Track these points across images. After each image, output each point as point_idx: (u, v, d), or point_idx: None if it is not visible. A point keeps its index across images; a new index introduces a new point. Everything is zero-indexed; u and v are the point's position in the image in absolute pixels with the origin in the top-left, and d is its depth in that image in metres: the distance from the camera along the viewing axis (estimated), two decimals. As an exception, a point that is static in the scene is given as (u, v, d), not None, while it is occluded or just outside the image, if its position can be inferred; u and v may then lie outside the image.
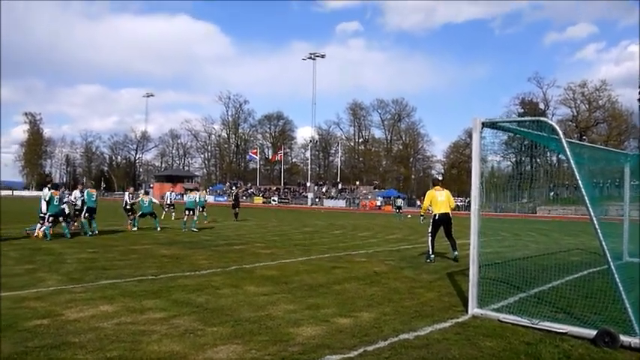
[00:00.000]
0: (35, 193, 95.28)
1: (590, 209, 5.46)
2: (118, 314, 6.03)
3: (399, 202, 41.39)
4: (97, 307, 6.38)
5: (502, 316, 6.07)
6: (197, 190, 24.49)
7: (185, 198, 20.56)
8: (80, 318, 5.81)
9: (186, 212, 19.94)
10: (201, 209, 23.66)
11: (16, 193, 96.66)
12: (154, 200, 21.39)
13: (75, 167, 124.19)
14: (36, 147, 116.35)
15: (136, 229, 18.59)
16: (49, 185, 15.62)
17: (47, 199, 14.51)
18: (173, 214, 27.58)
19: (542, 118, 6.39)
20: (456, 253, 11.51)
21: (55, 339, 5.01)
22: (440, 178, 12.69)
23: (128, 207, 19.64)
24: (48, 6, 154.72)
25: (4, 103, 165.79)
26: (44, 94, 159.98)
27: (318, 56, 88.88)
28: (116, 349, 4.74)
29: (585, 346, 5.14)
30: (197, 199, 21.00)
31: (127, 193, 20.81)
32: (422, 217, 11.04)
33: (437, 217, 11.46)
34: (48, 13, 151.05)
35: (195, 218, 19.95)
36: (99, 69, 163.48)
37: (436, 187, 11.78)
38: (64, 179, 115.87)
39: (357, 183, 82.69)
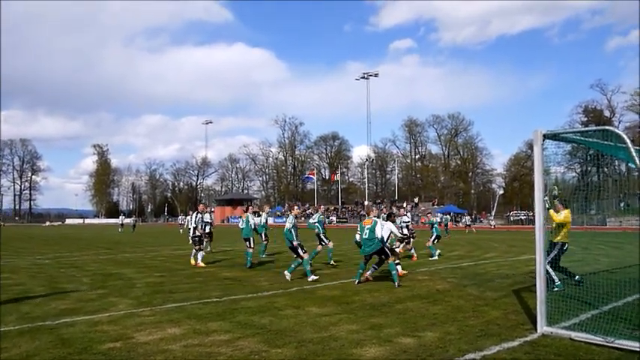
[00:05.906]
0: (105, 220, 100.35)
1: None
2: (185, 337, 6.20)
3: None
4: (165, 329, 6.58)
5: (574, 334, 5.83)
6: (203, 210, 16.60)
7: (240, 224, 15.35)
8: (150, 341, 6.01)
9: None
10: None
11: (87, 221, 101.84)
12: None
13: (140, 194, 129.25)
14: (104, 177, 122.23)
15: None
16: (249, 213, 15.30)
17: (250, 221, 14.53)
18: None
19: (607, 127, 6.14)
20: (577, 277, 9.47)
21: (127, 361, 5.21)
22: None
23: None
24: (114, 43, 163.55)
25: (77, 137, 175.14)
26: (111, 126, 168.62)
27: (371, 75, 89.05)
28: (185, 371, 4.87)
29: (667, 365, 4.86)
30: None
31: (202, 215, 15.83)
32: None
33: (566, 247, 9.55)
34: (114, 50, 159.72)
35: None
36: (161, 99, 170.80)
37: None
38: (131, 206, 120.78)
39: (416, 200, 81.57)
